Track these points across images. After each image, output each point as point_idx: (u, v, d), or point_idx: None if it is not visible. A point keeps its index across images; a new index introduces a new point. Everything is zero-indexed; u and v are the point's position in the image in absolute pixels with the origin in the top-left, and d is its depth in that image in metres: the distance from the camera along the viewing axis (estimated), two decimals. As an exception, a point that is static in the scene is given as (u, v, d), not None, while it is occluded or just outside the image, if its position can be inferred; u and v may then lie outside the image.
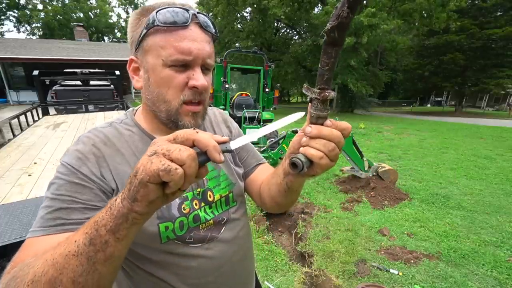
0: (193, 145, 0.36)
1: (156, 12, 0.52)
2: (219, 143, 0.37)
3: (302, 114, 0.44)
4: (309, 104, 0.43)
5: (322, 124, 0.43)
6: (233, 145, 0.40)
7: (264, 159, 0.82)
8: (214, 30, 0.58)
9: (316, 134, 0.42)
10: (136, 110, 0.67)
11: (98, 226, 0.36)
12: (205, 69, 0.57)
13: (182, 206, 0.60)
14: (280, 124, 0.45)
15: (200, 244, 0.61)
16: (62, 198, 0.48)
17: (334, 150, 0.42)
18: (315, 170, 0.45)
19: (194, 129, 0.37)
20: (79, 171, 0.51)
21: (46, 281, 0.35)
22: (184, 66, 0.54)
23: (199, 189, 0.64)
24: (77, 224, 0.47)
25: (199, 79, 0.54)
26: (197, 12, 0.55)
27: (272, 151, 4.09)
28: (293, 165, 0.44)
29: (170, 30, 0.52)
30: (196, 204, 0.63)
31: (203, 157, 0.36)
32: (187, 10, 0.53)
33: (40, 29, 30.33)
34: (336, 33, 0.36)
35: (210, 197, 0.65)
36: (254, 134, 0.44)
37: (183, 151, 0.33)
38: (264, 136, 5.32)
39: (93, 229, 0.36)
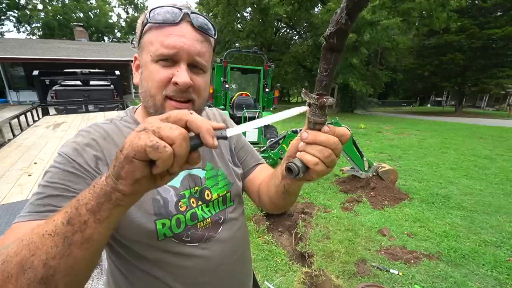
0: (186, 127, 0.34)
1: (150, 11, 0.54)
2: (215, 128, 0.35)
3: (304, 108, 0.42)
4: (307, 109, 0.42)
5: (319, 130, 0.42)
6: (229, 132, 0.38)
7: (263, 159, 0.82)
8: (211, 32, 0.58)
9: (312, 140, 0.41)
10: (137, 108, 0.68)
11: (78, 205, 0.34)
12: (194, 67, 0.56)
13: (179, 204, 0.60)
14: (281, 116, 0.42)
15: (197, 244, 0.61)
16: (54, 185, 0.48)
17: (330, 156, 0.42)
18: (311, 176, 0.44)
19: (188, 110, 0.35)
20: (74, 161, 0.51)
21: (17, 261, 0.33)
22: (171, 61, 0.54)
23: (196, 188, 0.64)
24: None
25: (181, 75, 0.53)
26: (193, 13, 0.55)
27: (272, 151, 4.09)
28: (289, 170, 0.44)
29: (160, 27, 0.53)
30: (193, 202, 0.63)
31: (196, 140, 0.34)
32: (180, 9, 0.54)
33: (40, 29, 30.31)
34: (335, 39, 0.35)
35: (207, 196, 0.65)
36: (252, 123, 0.41)
37: (174, 130, 0.31)
38: (264, 136, 5.32)
39: (73, 208, 0.34)
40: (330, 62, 0.37)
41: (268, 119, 0.42)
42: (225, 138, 0.37)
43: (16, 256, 0.33)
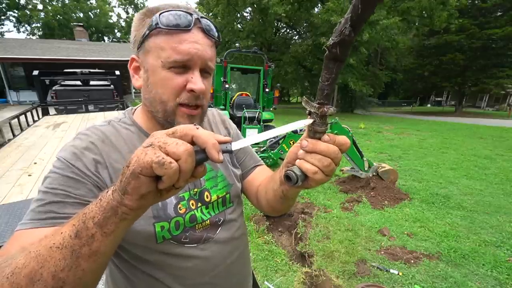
0: (192, 142, 0.34)
1: (160, 14, 0.52)
2: (220, 142, 0.36)
3: (310, 121, 0.42)
4: (308, 117, 0.42)
5: (319, 139, 0.42)
6: (234, 146, 0.39)
7: (262, 160, 0.82)
8: (217, 35, 0.57)
9: (311, 149, 0.41)
10: (135, 110, 0.67)
11: (86, 218, 0.35)
12: (205, 72, 0.56)
13: (178, 206, 0.60)
14: (285, 129, 0.43)
15: (195, 245, 0.61)
16: (55, 191, 0.48)
17: (330, 165, 0.41)
18: (309, 184, 0.44)
19: (194, 124, 0.36)
20: (74, 166, 0.51)
21: (26, 274, 0.33)
22: (183, 68, 0.53)
23: (196, 189, 0.64)
24: (68, 218, 0.45)
25: (197, 82, 0.53)
26: (201, 17, 0.55)
27: (272, 151, 4.09)
28: (287, 178, 0.44)
29: (172, 33, 0.52)
30: (192, 204, 0.63)
31: (201, 155, 0.34)
32: (191, 14, 0.53)
33: (40, 29, 30.30)
34: (338, 49, 0.35)
35: (207, 197, 0.65)
36: (257, 136, 0.42)
37: (180, 146, 0.31)
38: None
39: (81, 221, 0.35)
40: (332, 72, 0.37)
41: (274, 132, 0.43)
42: (231, 152, 0.38)
43: (25, 268, 0.34)
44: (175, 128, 0.34)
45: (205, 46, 0.54)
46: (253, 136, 0.42)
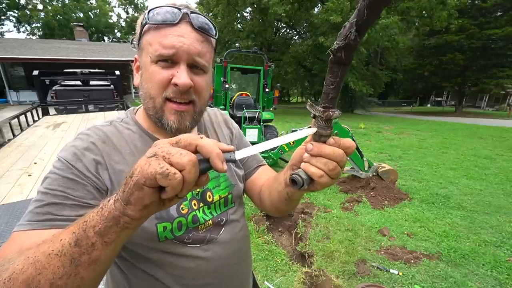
0: (196, 151, 0.34)
1: (148, 11, 0.53)
2: (224, 151, 0.36)
3: (314, 130, 0.41)
4: (313, 120, 0.42)
5: (324, 142, 0.42)
6: (238, 155, 0.39)
7: (264, 160, 0.81)
8: (212, 32, 0.57)
9: (317, 152, 0.41)
10: (137, 109, 0.67)
11: (86, 227, 0.34)
12: (195, 67, 0.55)
13: (181, 207, 0.60)
14: (289, 138, 0.43)
15: (198, 245, 0.61)
16: (54, 193, 0.47)
17: (335, 169, 0.41)
18: (315, 187, 0.44)
19: (198, 133, 0.36)
20: (74, 167, 0.50)
21: (23, 280, 0.33)
22: (171, 62, 0.53)
23: (198, 189, 0.64)
24: (67, 220, 0.45)
25: (181, 77, 0.52)
26: (193, 12, 0.54)
27: (272, 151, 4.09)
28: (293, 181, 0.44)
29: (159, 28, 0.53)
30: (194, 205, 0.62)
31: (205, 164, 0.34)
32: (179, 9, 0.53)
33: (40, 29, 30.30)
34: (343, 53, 0.34)
35: (209, 197, 0.65)
36: (261, 145, 0.43)
37: (184, 156, 0.31)
38: (264, 136, 5.32)
39: (81, 229, 0.34)
40: (337, 76, 0.37)
41: (278, 140, 0.43)
42: (234, 161, 0.38)
43: (23, 274, 0.33)
44: (178, 137, 0.34)
45: (193, 41, 0.53)
46: (258, 145, 0.42)
